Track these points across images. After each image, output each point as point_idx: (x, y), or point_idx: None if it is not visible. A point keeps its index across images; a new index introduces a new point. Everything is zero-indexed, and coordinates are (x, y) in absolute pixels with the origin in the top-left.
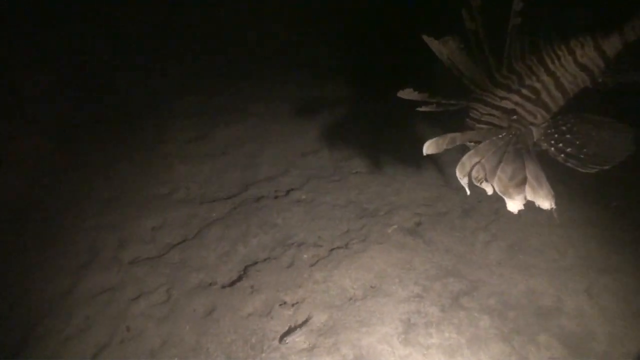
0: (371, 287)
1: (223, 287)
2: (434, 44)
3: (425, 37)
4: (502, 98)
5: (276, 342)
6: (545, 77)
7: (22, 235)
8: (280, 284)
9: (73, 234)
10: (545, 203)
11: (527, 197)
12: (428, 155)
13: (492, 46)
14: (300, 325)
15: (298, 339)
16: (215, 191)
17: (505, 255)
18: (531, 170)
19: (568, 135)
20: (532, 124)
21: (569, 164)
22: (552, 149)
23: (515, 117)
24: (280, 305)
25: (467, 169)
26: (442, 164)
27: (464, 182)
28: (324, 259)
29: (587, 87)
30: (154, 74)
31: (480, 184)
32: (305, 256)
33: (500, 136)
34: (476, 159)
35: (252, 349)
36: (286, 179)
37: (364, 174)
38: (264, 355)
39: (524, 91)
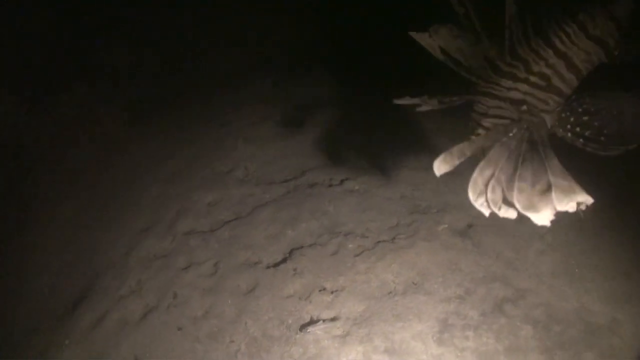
0: (413, 283)
1: (267, 267)
2: (423, 39)
3: (412, 34)
4: (509, 89)
5: (311, 327)
6: (555, 60)
7: (93, 200)
8: (322, 270)
9: (137, 203)
10: (581, 202)
11: (557, 206)
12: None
13: (490, 30)
14: (325, 320)
15: (319, 331)
16: (272, 174)
17: (559, 267)
18: (554, 168)
19: (585, 117)
20: (544, 111)
21: (589, 149)
22: (569, 134)
23: (525, 107)
24: (320, 290)
25: (481, 186)
26: None
27: (478, 204)
28: (369, 250)
29: (602, 62)
30: (234, 53)
31: (499, 209)
32: (350, 246)
33: (511, 134)
34: (489, 171)
35: (288, 329)
36: (342, 169)
37: (420, 169)
38: (297, 336)
39: (533, 78)
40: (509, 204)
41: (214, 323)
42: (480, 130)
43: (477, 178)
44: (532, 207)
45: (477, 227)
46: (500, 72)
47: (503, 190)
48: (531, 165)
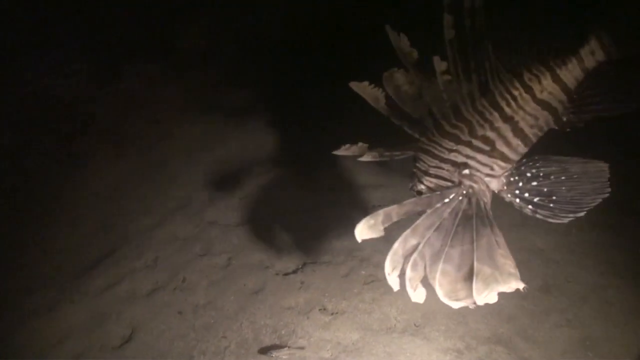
0: (414, 324)
1: (277, 273)
2: (364, 89)
3: (352, 84)
4: (450, 150)
5: (303, 341)
6: (500, 124)
7: (138, 170)
8: (329, 290)
9: (175, 182)
10: (506, 288)
11: (475, 298)
12: None
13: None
14: (290, 346)
15: (283, 357)
16: (310, 182)
17: (573, 347)
18: (487, 246)
19: (534, 183)
20: (489, 175)
21: (538, 215)
22: (517, 200)
23: (467, 171)
24: (320, 310)
25: (400, 260)
26: None
27: (391, 279)
28: (379, 281)
29: (552, 129)
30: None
31: (415, 290)
32: (363, 272)
33: (447, 199)
34: (414, 242)
35: (279, 339)
36: (377, 194)
37: None
38: (286, 349)
39: (475, 142)
40: (428, 285)
41: (212, 315)
42: (421, 187)
43: (398, 249)
44: (454, 294)
45: None
46: (443, 132)
47: (425, 268)
48: (461, 243)
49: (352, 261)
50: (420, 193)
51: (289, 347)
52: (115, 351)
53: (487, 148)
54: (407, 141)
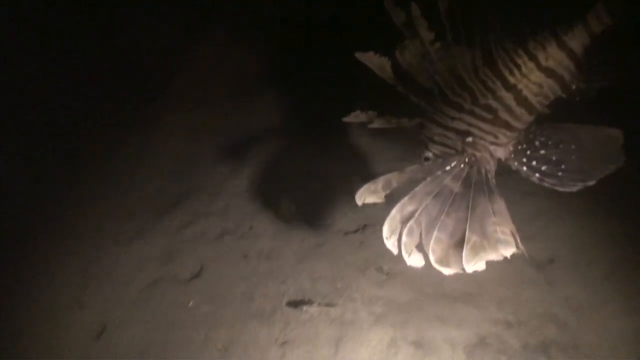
0: (469, 293)
1: (338, 232)
2: (370, 59)
3: (359, 54)
4: (453, 118)
5: (357, 294)
6: (503, 93)
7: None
8: (386, 252)
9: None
10: (494, 256)
11: (464, 265)
12: None
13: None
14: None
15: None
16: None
17: (628, 335)
18: (477, 215)
19: (542, 151)
20: (493, 144)
21: (545, 184)
22: (524, 168)
23: (470, 139)
24: (376, 269)
25: (398, 225)
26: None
27: (389, 244)
28: None
29: (559, 97)
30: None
31: (410, 255)
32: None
33: (448, 167)
34: (411, 208)
35: (335, 290)
36: None
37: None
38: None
39: (478, 110)
40: (423, 251)
41: (275, 262)
42: (429, 154)
43: (396, 215)
44: (445, 261)
45: (558, 263)
46: (446, 100)
47: (420, 235)
48: (456, 211)
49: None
50: (427, 160)
51: (318, 304)
52: (185, 284)
53: (489, 116)
54: (414, 109)
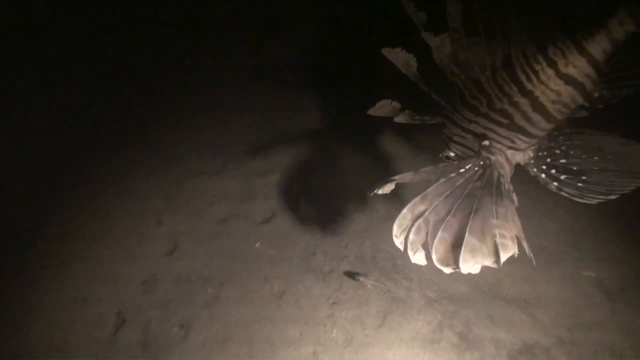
0: (525, 300)
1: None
2: (399, 57)
3: (385, 50)
4: (470, 121)
5: (414, 275)
6: (519, 99)
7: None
8: None
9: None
10: (490, 262)
11: (460, 266)
12: None
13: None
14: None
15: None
16: None
17: None
18: (479, 218)
19: (563, 160)
20: (511, 148)
21: (563, 193)
22: (543, 175)
23: (487, 142)
24: None
25: (407, 223)
26: None
27: (397, 242)
28: None
29: (581, 105)
30: None
31: (415, 253)
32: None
33: (462, 170)
34: (422, 208)
35: (393, 266)
36: None
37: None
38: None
39: (493, 115)
40: (427, 250)
41: (342, 225)
42: (450, 153)
43: (407, 214)
44: (446, 261)
45: (628, 293)
46: (465, 102)
47: (427, 234)
48: (462, 212)
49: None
50: (448, 158)
51: (375, 276)
52: (256, 225)
53: (505, 121)
54: (437, 107)
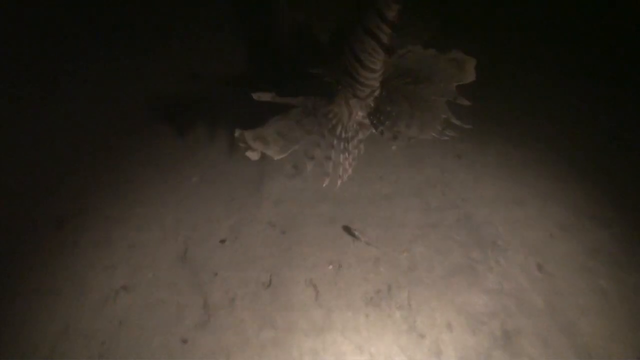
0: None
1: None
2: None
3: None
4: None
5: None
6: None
7: None
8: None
9: None
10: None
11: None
12: None
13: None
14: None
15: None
16: None
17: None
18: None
19: (388, 108)
20: (355, 96)
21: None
22: (370, 120)
23: (339, 87)
24: None
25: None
26: None
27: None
28: None
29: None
30: None
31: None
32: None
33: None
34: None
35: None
36: None
37: None
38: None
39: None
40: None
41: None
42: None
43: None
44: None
45: None
46: (345, 71)
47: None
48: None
49: None
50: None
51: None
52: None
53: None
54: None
